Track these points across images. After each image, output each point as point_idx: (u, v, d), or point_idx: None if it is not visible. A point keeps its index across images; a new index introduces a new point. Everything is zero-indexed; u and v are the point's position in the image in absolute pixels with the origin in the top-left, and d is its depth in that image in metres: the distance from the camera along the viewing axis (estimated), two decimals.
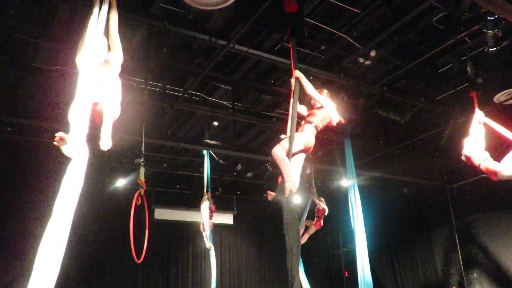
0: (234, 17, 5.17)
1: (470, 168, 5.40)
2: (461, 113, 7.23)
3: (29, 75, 5.88)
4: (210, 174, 8.65)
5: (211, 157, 8.81)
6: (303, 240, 7.71)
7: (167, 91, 6.46)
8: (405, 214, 10.94)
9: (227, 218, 11.54)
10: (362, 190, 7.21)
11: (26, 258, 8.15)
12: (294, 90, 3.94)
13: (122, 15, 4.47)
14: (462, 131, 7.41)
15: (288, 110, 3.98)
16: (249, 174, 10.08)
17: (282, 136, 4.23)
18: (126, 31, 5.09)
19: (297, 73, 3.99)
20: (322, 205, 8.14)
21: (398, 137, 8.42)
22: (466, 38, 5.55)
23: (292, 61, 4.19)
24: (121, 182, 9.32)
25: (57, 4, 4.94)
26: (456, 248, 9.77)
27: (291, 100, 3.94)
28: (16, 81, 6.18)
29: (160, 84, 6.40)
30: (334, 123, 4.23)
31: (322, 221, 8.17)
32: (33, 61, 5.80)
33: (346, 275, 11.62)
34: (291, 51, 4.21)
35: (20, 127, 7.34)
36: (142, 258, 5.59)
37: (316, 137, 4.12)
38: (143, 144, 6.46)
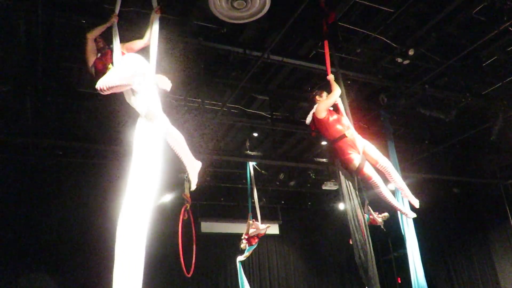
0: (267, 27, 5.21)
1: None
2: (510, 106, 6.89)
3: (75, 99, 6.17)
4: (253, 185, 8.58)
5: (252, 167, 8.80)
6: None
7: (206, 106, 6.57)
8: (458, 215, 10.49)
9: (273, 228, 11.46)
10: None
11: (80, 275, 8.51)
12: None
13: (158, 35, 4.63)
14: None
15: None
16: (292, 183, 10.03)
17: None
18: (164, 50, 5.24)
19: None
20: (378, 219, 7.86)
21: (444, 135, 8.15)
22: (510, 28, 5.31)
23: (327, 61, 4.28)
24: (166, 198, 9.52)
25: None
26: None
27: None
28: (64, 106, 6.50)
29: (199, 100, 6.52)
30: None
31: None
32: (78, 86, 6.09)
33: (399, 281, 11.26)
34: (326, 51, 4.28)
35: (70, 149, 7.70)
36: (191, 272, 5.65)
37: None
38: None
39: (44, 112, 6.25)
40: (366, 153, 4.14)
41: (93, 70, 3.58)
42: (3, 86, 5.54)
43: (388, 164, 4.12)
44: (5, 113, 6.35)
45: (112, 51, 3.43)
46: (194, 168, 3.58)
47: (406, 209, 4.85)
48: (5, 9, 4.47)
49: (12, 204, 8.47)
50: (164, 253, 9.35)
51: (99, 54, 3.57)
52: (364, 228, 3.96)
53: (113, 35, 3.46)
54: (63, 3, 4.53)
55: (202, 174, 9.44)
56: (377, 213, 7.85)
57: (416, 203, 4.63)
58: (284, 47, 5.64)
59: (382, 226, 7.87)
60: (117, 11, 3.61)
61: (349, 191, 4.05)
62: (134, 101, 3.28)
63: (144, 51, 3.59)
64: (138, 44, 3.64)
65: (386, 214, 7.79)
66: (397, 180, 4.25)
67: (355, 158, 4.03)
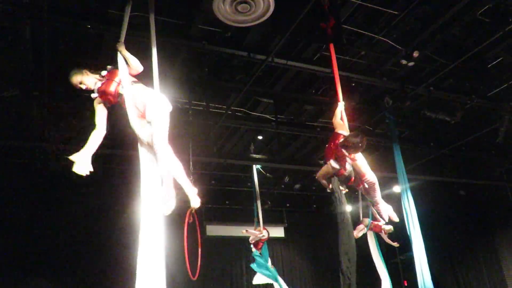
0: (271, 30, 5.21)
1: None
2: None
3: (81, 104, 6.19)
4: (258, 188, 8.57)
5: (257, 171, 8.80)
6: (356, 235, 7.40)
7: (210, 109, 6.59)
8: (464, 217, 10.43)
9: (278, 231, 11.47)
10: (416, 195, 6.95)
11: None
12: None
13: (163, 40, 4.66)
14: None
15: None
16: (297, 186, 10.01)
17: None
18: (168, 54, 5.27)
19: None
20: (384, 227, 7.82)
21: (449, 138, 8.11)
22: None
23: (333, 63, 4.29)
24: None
25: (102, 36, 5.20)
26: None
27: None
28: (70, 111, 6.53)
29: (204, 103, 6.54)
30: None
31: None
32: (83, 90, 6.10)
33: (406, 284, 11.19)
34: (331, 53, 4.28)
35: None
36: (197, 275, 5.64)
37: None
38: (190, 162, 6.60)
39: (50, 117, 6.29)
40: (355, 163, 4.25)
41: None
42: (9, 91, 5.59)
43: (375, 180, 4.27)
44: (12, 118, 6.40)
45: (111, 79, 3.39)
46: (193, 193, 3.64)
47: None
48: (11, 15, 4.51)
49: (17, 208, 8.51)
50: (169, 256, 9.33)
51: (100, 83, 3.51)
52: (351, 237, 4.08)
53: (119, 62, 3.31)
54: (68, 9, 4.57)
55: (208, 177, 9.48)
56: (383, 222, 7.80)
57: (386, 218, 4.94)
58: (288, 50, 5.65)
59: (387, 236, 7.85)
60: None
61: (340, 196, 4.19)
62: (137, 127, 3.25)
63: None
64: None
65: (390, 227, 7.74)
66: (378, 197, 4.39)
67: (347, 169, 4.27)
